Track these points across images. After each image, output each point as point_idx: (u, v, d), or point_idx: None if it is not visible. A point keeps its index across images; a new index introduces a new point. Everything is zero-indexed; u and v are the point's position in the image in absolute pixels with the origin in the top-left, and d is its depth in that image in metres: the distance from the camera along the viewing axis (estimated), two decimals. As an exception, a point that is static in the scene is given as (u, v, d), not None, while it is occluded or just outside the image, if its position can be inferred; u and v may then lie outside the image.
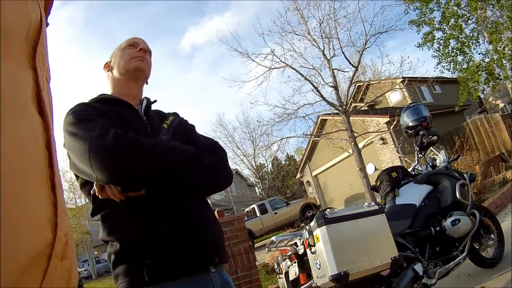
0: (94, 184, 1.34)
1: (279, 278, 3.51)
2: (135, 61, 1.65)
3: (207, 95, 73.13)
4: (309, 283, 2.95)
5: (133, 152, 1.28)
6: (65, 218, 0.46)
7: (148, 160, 1.31)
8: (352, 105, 17.17)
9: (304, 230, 2.94)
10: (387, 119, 17.17)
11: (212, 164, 1.50)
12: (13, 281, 0.35)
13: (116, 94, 1.63)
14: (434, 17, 13.69)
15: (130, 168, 1.28)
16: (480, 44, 13.51)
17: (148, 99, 1.69)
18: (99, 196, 1.34)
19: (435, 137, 4.26)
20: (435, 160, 4.33)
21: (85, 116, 1.39)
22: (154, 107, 1.74)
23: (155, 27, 75.01)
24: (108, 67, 1.70)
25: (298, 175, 26.81)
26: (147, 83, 1.75)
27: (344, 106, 13.58)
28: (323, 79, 14.21)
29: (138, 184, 1.33)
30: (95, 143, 1.27)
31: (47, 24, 0.57)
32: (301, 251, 3.10)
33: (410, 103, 4.70)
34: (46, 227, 0.41)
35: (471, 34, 13.35)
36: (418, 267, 3.19)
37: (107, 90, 1.69)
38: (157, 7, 77.13)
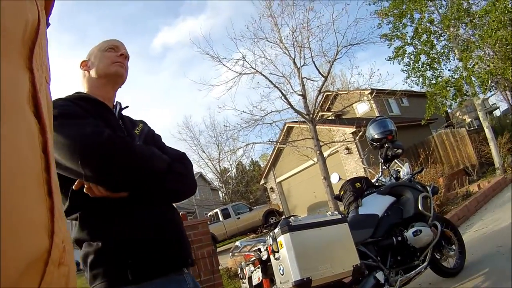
0: (84, 183, 1.31)
1: (243, 283, 3.52)
2: (115, 66, 1.64)
3: (175, 96, 72.61)
4: (272, 288, 2.97)
5: (126, 153, 1.31)
6: (63, 224, 0.45)
7: (138, 163, 1.34)
8: (319, 114, 17.35)
9: (268, 237, 2.97)
10: (353, 130, 17.43)
11: (181, 173, 1.53)
12: (9, 287, 0.34)
13: (92, 95, 1.61)
14: (406, 32, 13.94)
15: (122, 169, 1.30)
16: (450, 61, 13.78)
17: (120, 104, 1.69)
18: (89, 194, 1.32)
19: (399, 150, 4.38)
20: (399, 172, 4.44)
21: (70, 112, 1.38)
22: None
23: (127, 25, 73.85)
24: (85, 66, 1.67)
25: (262, 181, 26.85)
26: (120, 87, 1.74)
27: (311, 115, 13.71)
28: (292, 87, 14.36)
29: (126, 185, 1.34)
30: (89, 140, 1.27)
31: (48, 24, 0.56)
32: (264, 257, 3.13)
33: (377, 116, 4.81)
34: (42, 233, 0.41)
35: (442, 51, 13.60)
36: (380, 275, 3.26)
37: (82, 88, 1.66)
38: (131, 6, 75.92)
